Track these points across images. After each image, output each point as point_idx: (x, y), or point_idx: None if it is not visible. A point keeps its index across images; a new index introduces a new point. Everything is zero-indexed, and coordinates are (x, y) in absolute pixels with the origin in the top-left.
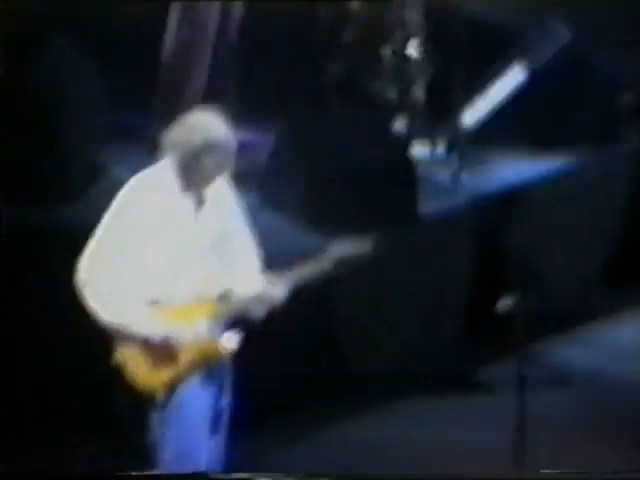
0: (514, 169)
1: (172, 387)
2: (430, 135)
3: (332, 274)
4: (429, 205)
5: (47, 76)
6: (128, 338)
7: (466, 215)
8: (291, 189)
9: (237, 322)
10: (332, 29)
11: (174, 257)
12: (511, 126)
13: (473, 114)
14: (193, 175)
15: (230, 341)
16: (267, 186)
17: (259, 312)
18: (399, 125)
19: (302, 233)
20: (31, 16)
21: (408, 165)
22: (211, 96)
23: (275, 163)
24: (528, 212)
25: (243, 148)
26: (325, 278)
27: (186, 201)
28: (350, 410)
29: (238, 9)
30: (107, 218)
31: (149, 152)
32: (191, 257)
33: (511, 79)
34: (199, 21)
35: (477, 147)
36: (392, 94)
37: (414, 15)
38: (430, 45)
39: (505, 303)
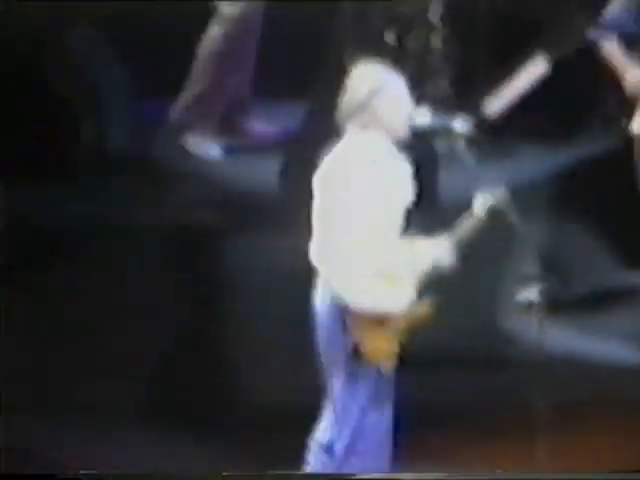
0: (532, 161)
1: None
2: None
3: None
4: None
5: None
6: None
7: None
8: None
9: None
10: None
11: (396, 217)
12: (531, 117)
13: (494, 105)
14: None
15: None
16: None
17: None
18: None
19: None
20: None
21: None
22: None
23: None
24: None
25: None
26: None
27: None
28: None
29: None
30: (323, 198)
31: None
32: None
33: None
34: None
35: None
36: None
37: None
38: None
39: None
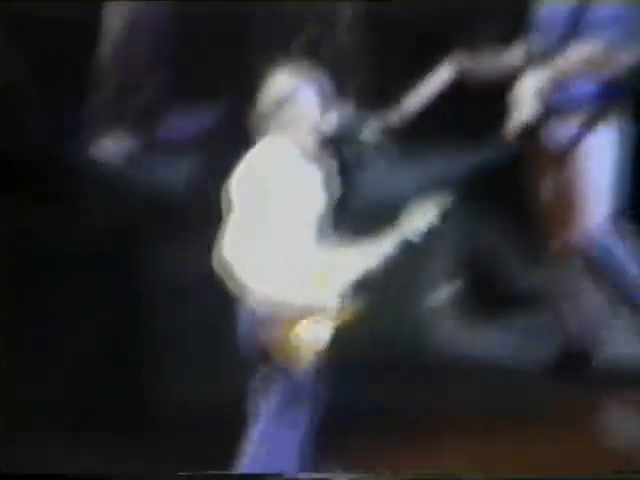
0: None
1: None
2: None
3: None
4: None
5: None
6: (282, 311)
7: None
8: None
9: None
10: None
11: (308, 224)
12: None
13: (402, 111)
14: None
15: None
16: None
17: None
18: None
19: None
20: None
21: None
22: None
23: None
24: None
25: None
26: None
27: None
28: None
29: None
30: (239, 194)
31: None
32: (317, 221)
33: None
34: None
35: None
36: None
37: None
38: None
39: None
